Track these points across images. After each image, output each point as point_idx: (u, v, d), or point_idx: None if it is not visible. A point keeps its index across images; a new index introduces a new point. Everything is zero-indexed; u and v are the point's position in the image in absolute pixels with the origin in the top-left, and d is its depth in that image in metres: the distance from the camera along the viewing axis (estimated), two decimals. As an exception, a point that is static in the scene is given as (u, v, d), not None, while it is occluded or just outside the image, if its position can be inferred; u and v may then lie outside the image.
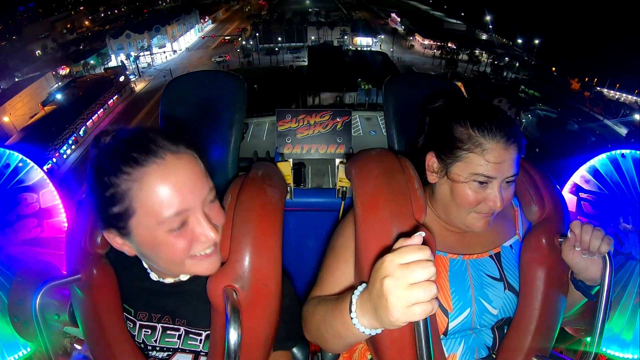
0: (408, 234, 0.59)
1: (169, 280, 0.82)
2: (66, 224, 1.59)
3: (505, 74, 33.96)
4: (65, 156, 22.82)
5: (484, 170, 0.79)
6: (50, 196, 1.61)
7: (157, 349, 0.85)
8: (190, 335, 0.84)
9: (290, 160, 1.30)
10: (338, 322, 0.68)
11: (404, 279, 0.53)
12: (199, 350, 0.84)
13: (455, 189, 0.83)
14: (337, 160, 1.31)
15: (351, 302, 0.64)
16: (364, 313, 0.61)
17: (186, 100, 1.19)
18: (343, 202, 1.29)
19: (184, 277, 0.82)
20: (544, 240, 0.87)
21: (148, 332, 0.85)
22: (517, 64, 34.83)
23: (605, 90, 30.06)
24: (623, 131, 24.75)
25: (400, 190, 0.81)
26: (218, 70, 1.25)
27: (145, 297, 0.85)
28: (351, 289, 0.68)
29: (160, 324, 0.85)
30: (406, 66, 35.01)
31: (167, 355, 0.85)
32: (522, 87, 30.33)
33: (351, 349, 1.04)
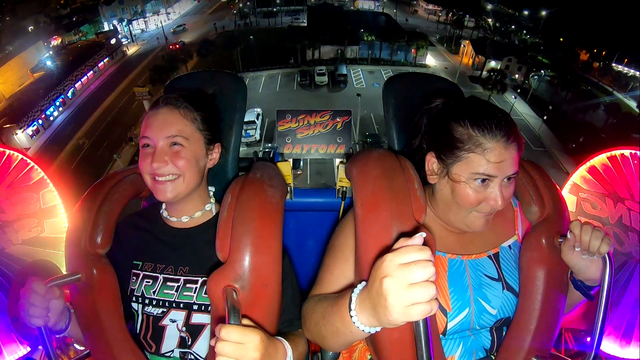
0: (408, 234, 0.59)
1: (185, 219, 0.96)
2: (66, 224, 1.59)
3: (512, 40, 33.13)
4: (52, 118, 22.31)
5: (484, 170, 0.79)
6: (50, 196, 1.61)
7: (154, 302, 0.92)
8: (187, 286, 0.91)
9: (290, 160, 1.30)
10: (337, 320, 0.68)
11: (404, 279, 0.53)
12: (192, 302, 0.91)
13: (456, 189, 0.83)
14: (337, 160, 1.31)
15: (351, 299, 0.64)
16: (363, 311, 0.61)
17: None
18: (343, 202, 1.29)
19: (195, 216, 0.97)
20: (543, 241, 0.87)
21: (149, 282, 0.93)
22: (524, 31, 34.14)
23: (614, 64, 29.28)
24: (633, 104, 23.97)
25: (400, 190, 0.81)
26: (218, 70, 1.25)
27: (155, 247, 0.96)
28: (351, 287, 0.67)
29: (162, 275, 0.93)
30: (411, 27, 34.13)
31: (162, 312, 0.91)
32: (530, 52, 29.13)
33: (351, 349, 1.04)
